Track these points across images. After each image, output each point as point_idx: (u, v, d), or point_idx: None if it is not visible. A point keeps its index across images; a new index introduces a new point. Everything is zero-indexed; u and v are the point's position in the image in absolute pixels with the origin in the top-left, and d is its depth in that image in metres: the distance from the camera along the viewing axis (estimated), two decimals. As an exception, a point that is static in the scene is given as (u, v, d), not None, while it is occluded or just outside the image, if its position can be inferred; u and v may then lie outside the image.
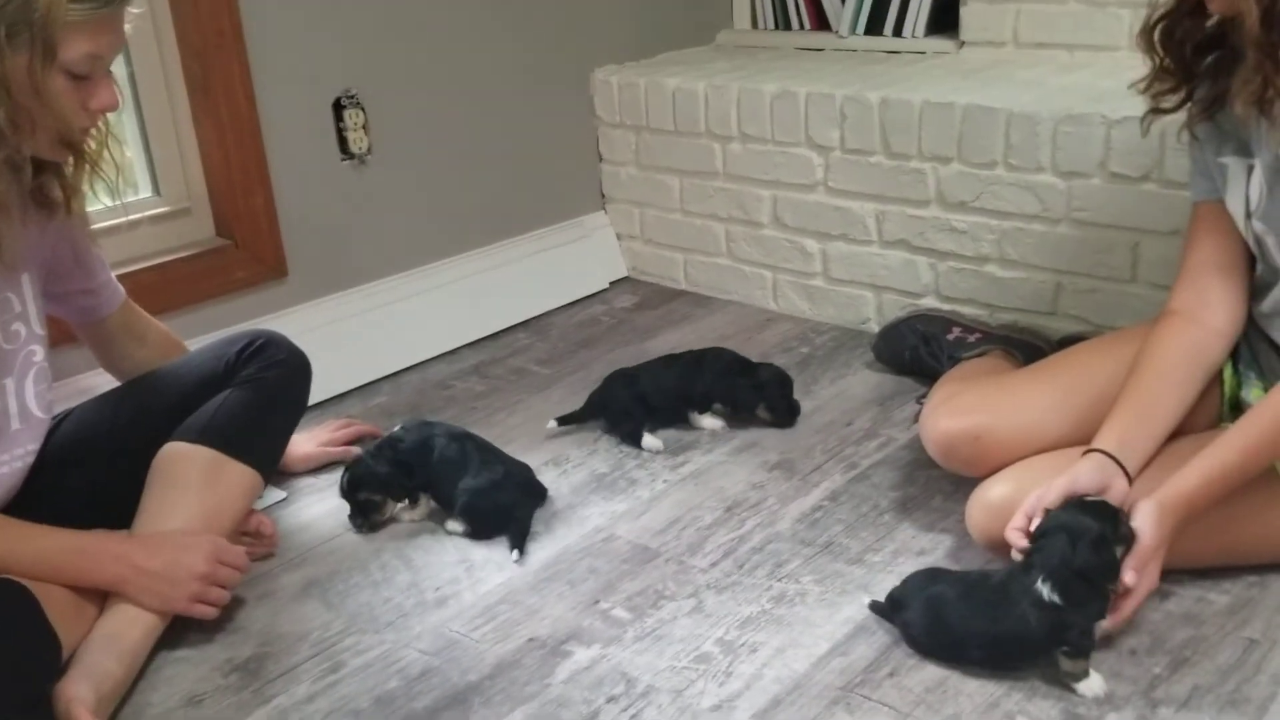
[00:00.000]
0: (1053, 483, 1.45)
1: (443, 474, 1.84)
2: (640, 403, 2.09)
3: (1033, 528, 1.44)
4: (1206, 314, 1.57)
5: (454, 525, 1.83)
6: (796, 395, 2.14)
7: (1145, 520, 1.40)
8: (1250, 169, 1.50)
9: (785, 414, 2.10)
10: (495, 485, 1.81)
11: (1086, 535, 1.38)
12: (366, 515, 1.85)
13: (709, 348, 2.20)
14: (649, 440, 2.06)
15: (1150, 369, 1.55)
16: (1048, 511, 1.43)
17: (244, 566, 1.64)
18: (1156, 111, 1.58)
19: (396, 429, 1.92)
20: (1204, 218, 1.60)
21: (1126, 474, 1.49)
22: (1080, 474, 1.46)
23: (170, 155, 2.21)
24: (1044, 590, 1.38)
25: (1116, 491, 1.47)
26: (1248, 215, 1.52)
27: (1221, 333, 1.57)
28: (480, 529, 1.81)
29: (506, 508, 1.81)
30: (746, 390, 2.10)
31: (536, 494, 1.88)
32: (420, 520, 1.87)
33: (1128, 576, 1.38)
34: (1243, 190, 1.52)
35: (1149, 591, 1.42)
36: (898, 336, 2.24)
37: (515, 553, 1.75)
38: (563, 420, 2.13)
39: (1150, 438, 1.52)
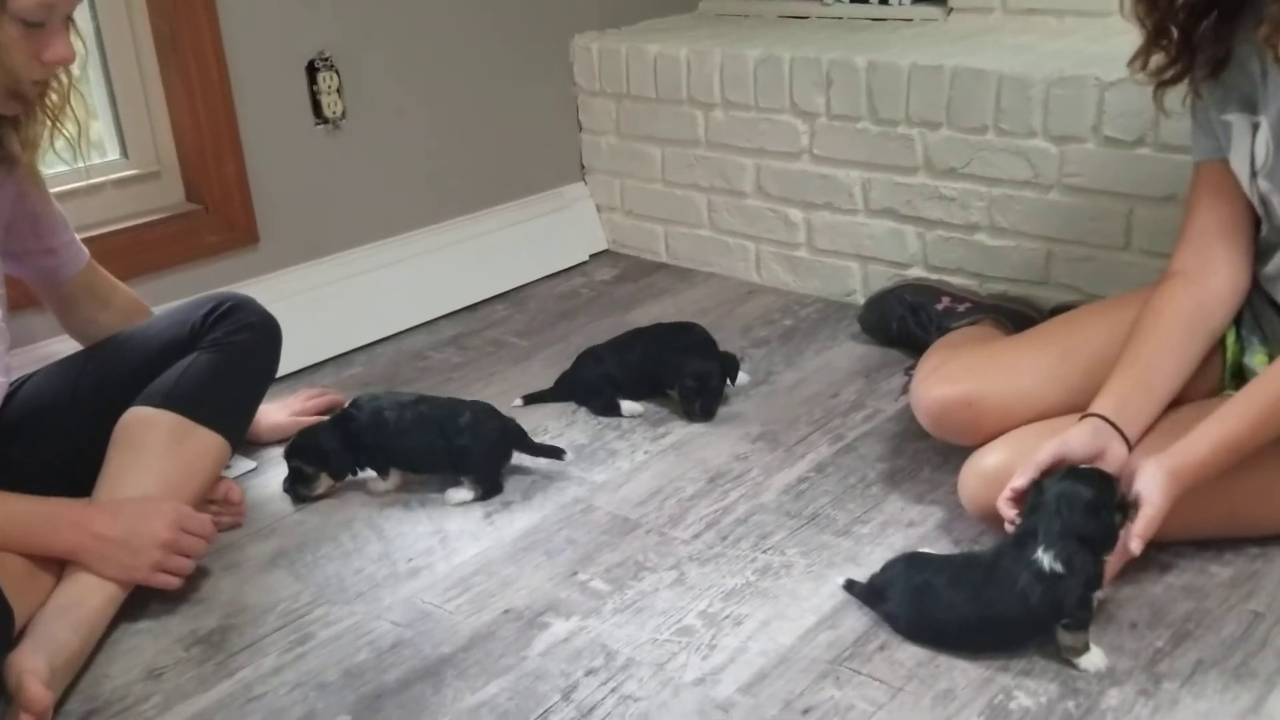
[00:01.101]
0: (1044, 446, 1.41)
1: (406, 444, 1.79)
2: (608, 380, 2.04)
3: (1025, 495, 1.39)
4: (1209, 276, 1.53)
5: (461, 494, 1.78)
6: (778, 368, 2.09)
7: (1153, 486, 1.34)
8: (1255, 126, 1.46)
9: (694, 409, 1.99)
10: (492, 432, 1.80)
11: (1083, 502, 1.33)
12: (294, 484, 1.80)
13: (678, 323, 2.14)
14: (628, 405, 2.01)
15: (1150, 332, 1.50)
16: (1040, 482, 1.38)
17: (209, 534, 1.58)
18: (1162, 85, 1.53)
19: (348, 405, 1.86)
20: (1206, 178, 1.55)
21: (1125, 439, 1.44)
22: (1072, 438, 1.42)
23: (138, 117, 2.14)
24: (1045, 559, 1.33)
25: (1113, 456, 1.42)
26: (1253, 174, 1.48)
27: (1224, 296, 1.52)
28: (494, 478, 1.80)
29: (510, 438, 1.81)
30: (672, 370, 2.01)
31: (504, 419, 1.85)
32: (392, 491, 1.81)
33: (1135, 545, 1.33)
34: (1248, 148, 1.47)
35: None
36: (885, 307, 2.19)
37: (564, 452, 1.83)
38: (529, 399, 2.08)
39: (1150, 402, 1.47)
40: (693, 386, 1.97)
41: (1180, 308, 1.51)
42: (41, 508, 1.49)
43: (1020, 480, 1.40)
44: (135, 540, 1.49)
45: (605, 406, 2.03)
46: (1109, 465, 1.41)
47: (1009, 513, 1.40)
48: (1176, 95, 1.56)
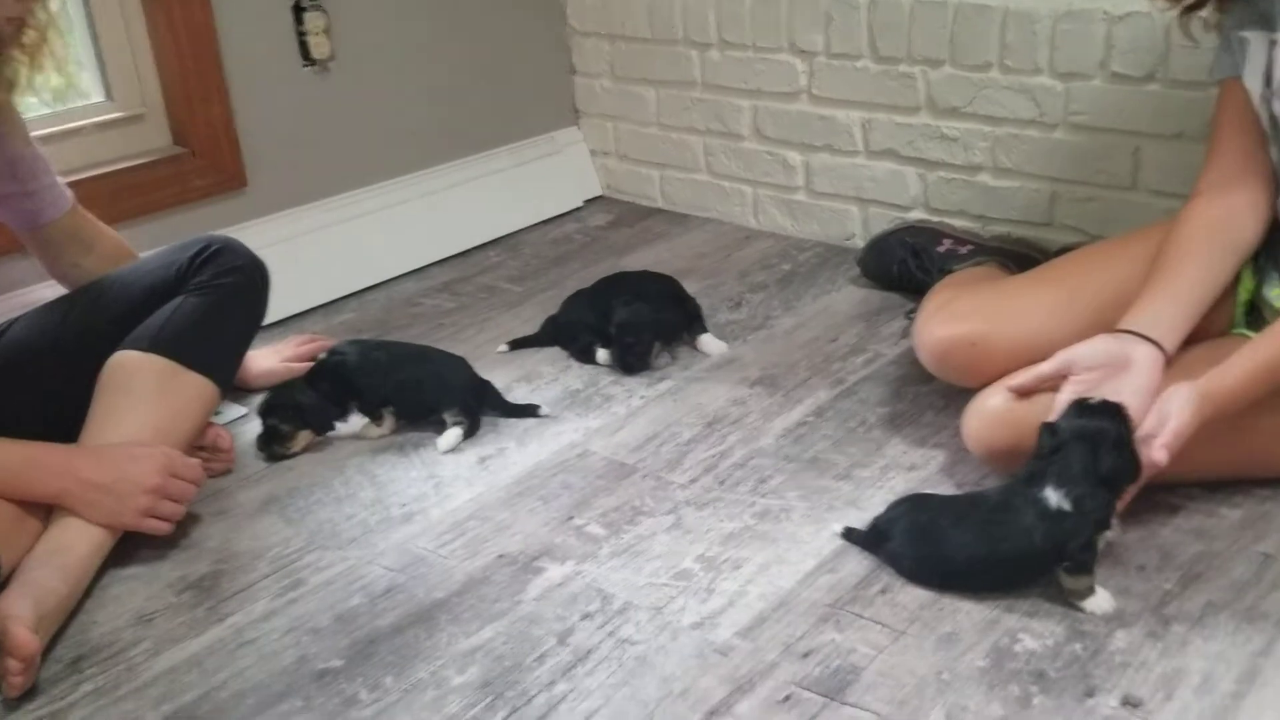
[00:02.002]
0: (1056, 354, 1.40)
1: (400, 378, 1.77)
2: (587, 327, 2.00)
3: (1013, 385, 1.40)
4: (1235, 192, 1.49)
5: (451, 436, 1.75)
6: (776, 313, 2.05)
7: (1184, 403, 1.32)
8: (1272, 44, 1.42)
9: (619, 360, 1.94)
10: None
11: (1106, 439, 1.29)
12: (269, 443, 1.75)
13: (644, 272, 2.11)
14: (602, 354, 1.96)
15: (1176, 247, 1.47)
16: (1053, 423, 1.35)
17: (198, 479, 1.55)
18: (1186, 10, 1.50)
19: (327, 354, 1.82)
20: (1231, 96, 1.51)
21: (1158, 345, 1.41)
22: (1079, 348, 1.41)
23: (122, 58, 2.09)
24: (1053, 498, 1.30)
25: (1141, 359, 1.39)
26: (1267, 91, 1.44)
27: (1251, 209, 1.49)
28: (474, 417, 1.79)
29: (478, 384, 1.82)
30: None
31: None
32: (386, 435, 1.78)
33: (1159, 454, 1.30)
34: (1262, 65, 1.44)
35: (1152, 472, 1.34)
36: (886, 249, 2.15)
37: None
38: (515, 344, 2.05)
39: (1182, 311, 1.44)
40: (627, 341, 1.93)
41: (1205, 221, 1.49)
42: (25, 452, 1.46)
43: (1018, 382, 1.41)
44: (122, 485, 1.46)
45: (581, 352, 1.99)
46: (1139, 369, 1.38)
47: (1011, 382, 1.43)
48: (1198, 33, 1.53)
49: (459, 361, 1.84)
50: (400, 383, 1.77)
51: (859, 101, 2.28)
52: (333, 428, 1.77)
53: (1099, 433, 1.30)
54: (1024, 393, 1.43)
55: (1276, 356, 1.35)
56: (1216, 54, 1.53)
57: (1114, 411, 1.32)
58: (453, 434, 1.75)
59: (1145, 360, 1.39)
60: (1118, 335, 1.42)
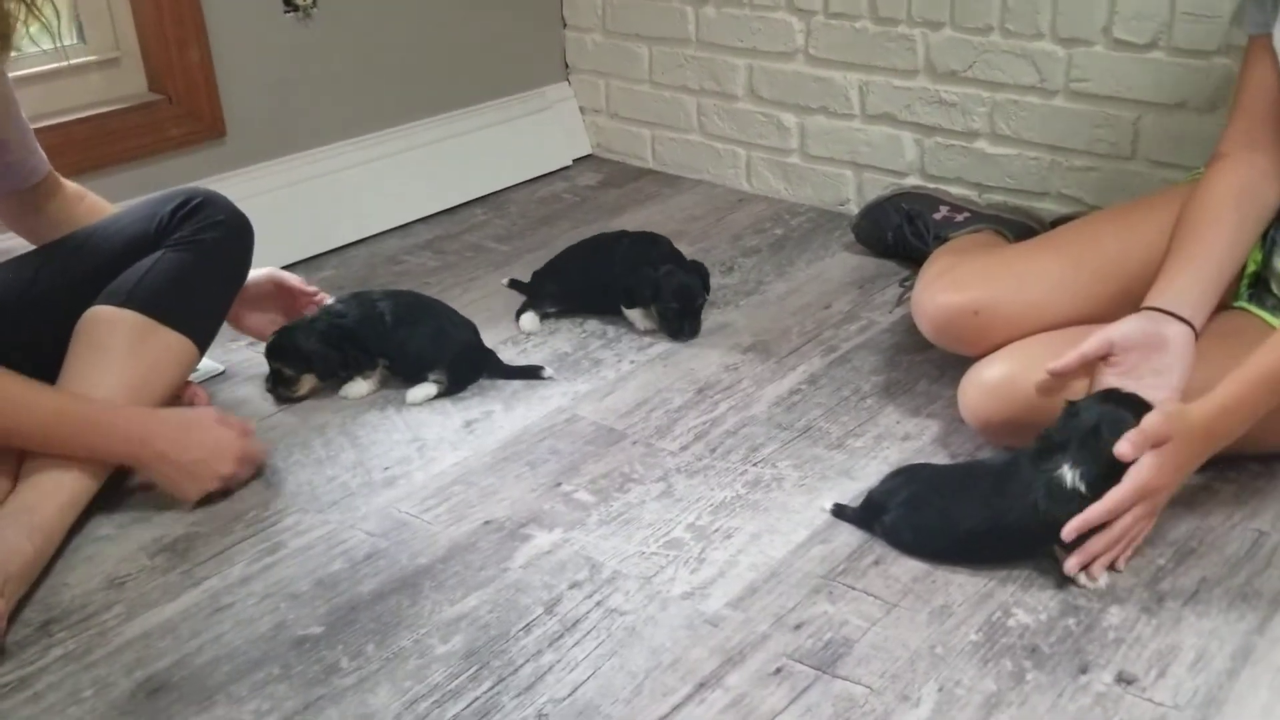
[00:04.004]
0: (1091, 335, 1.36)
1: (405, 334, 1.74)
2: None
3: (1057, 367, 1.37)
4: (1257, 155, 1.46)
5: (424, 390, 1.72)
6: (768, 278, 2.00)
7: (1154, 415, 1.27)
8: None
9: (675, 328, 1.89)
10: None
11: (1122, 424, 1.26)
12: (275, 385, 1.75)
13: (641, 232, 2.04)
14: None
15: (1198, 215, 1.44)
16: (1074, 401, 1.32)
17: (262, 465, 1.56)
18: None
19: (336, 304, 1.78)
20: (1257, 54, 1.47)
21: (1186, 322, 1.38)
22: (1120, 327, 1.38)
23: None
24: (1069, 475, 1.27)
25: (1175, 339, 1.37)
26: None
27: (1273, 174, 1.46)
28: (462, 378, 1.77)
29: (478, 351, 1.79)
30: (646, 285, 1.88)
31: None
32: (374, 392, 1.75)
33: (1124, 448, 1.25)
34: None
35: (1128, 499, 1.26)
36: (881, 215, 2.12)
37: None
38: (515, 284, 2.06)
39: (1204, 280, 1.41)
40: (692, 307, 1.89)
41: (1227, 188, 1.45)
42: (101, 415, 1.44)
43: (1062, 364, 1.36)
44: (200, 469, 1.47)
45: (520, 309, 1.98)
46: (1175, 350, 1.36)
47: (1055, 366, 1.39)
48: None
49: (465, 325, 1.80)
50: (400, 343, 1.74)
51: (856, 63, 2.24)
52: (337, 375, 1.75)
53: (1123, 421, 1.27)
54: (1065, 374, 1.38)
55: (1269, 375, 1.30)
56: (1248, 9, 1.48)
57: (1138, 406, 1.29)
58: (423, 390, 1.72)
59: (1179, 340, 1.37)
60: (1150, 314, 1.39)
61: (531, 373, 1.79)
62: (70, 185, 1.69)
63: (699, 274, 1.91)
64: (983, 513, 1.32)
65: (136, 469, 1.49)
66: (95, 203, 1.72)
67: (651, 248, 1.95)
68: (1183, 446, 1.26)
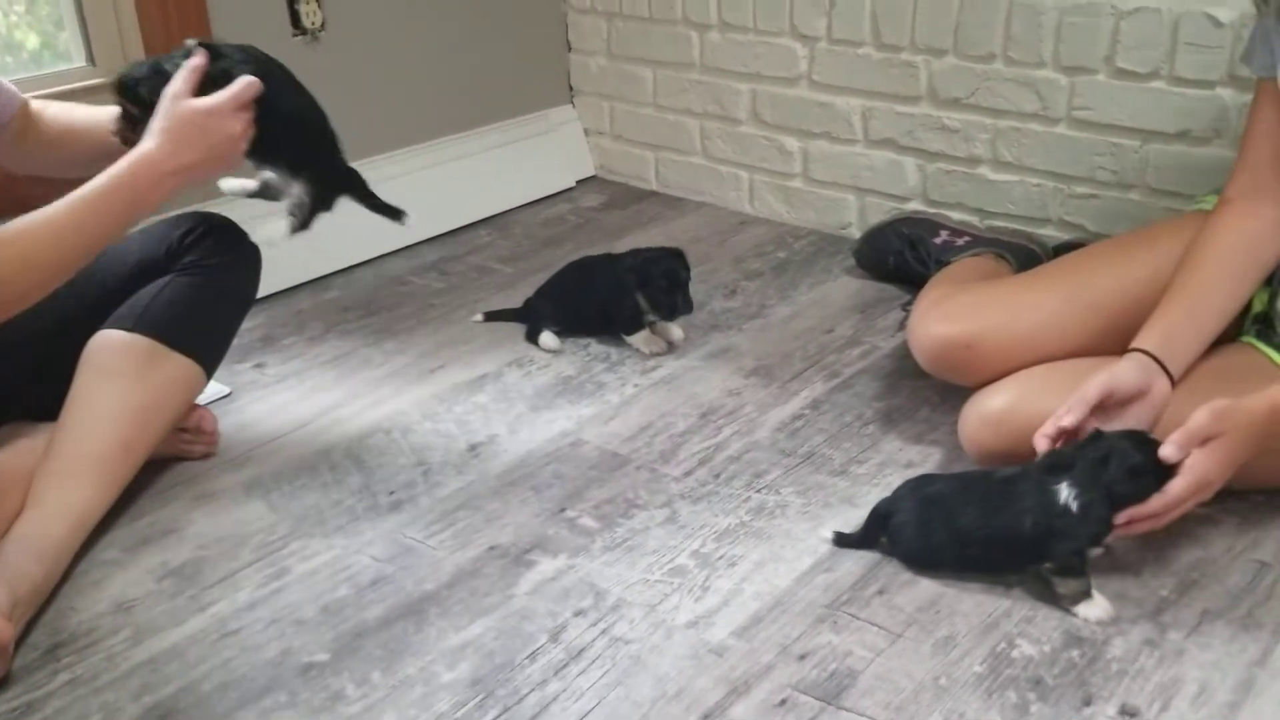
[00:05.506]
0: (1091, 381, 1.35)
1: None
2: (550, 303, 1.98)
3: (1066, 423, 1.34)
4: (1263, 205, 1.47)
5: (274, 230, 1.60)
6: (771, 301, 2.00)
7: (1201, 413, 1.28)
8: None
9: (669, 305, 1.88)
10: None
11: (1130, 461, 1.27)
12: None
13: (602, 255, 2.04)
14: (546, 338, 1.94)
15: (1199, 264, 1.45)
16: (1100, 433, 1.32)
17: None
18: None
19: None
20: (1265, 98, 1.48)
21: (1169, 375, 1.39)
22: (1121, 373, 1.37)
23: (105, 22, 2.03)
24: (1065, 493, 1.29)
25: (1158, 393, 1.37)
26: None
27: (1277, 226, 1.46)
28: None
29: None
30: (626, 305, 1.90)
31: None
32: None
33: (1169, 450, 1.26)
34: None
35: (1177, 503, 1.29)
36: (882, 240, 2.13)
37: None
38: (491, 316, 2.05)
39: (1198, 336, 1.42)
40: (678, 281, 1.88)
41: (1231, 239, 1.45)
42: (110, 183, 1.38)
43: (1069, 419, 1.35)
44: (220, 150, 1.46)
45: (530, 332, 1.98)
46: (1153, 402, 1.37)
47: (1044, 446, 1.35)
48: (1185, 14, 1.51)
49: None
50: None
51: (859, 89, 2.25)
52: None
53: (1129, 456, 1.28)
54: (1077, 427, 1.37)
55: None
56: (1252, 44, 1.49)
57: (1151, 447, 1.30)
58: (279, 226, 1.60)
59: (1160, 393, 1.38)
60: (1144, 362, 1.39)
61: (392, 213, 1.73)
62: (34, 103, 1.63)
63: (674, 254, 1.91)
64: (980, 516, 1.34)
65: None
66: (58, 110, 1.64)
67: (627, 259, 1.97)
68: (1238, 438, 1.28)
